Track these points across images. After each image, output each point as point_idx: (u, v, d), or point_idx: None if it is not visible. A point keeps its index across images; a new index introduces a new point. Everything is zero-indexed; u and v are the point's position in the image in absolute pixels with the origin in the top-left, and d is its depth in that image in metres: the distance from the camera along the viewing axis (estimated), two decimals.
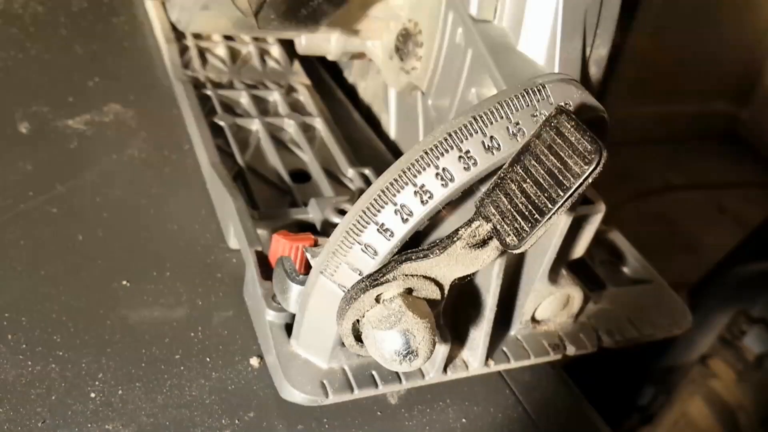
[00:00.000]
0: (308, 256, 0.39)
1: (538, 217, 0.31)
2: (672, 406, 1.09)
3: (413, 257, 0.35)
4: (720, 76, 2.02)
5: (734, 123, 2.15)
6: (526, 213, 0.32)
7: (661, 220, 1.96)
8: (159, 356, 0.41)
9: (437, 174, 0.35)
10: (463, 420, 0.42)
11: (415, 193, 0.35)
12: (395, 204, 0.35)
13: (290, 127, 0.60)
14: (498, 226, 0.33)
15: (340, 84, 0.73)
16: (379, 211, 0.35)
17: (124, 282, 0.45)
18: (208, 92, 0.60)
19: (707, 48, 1.96)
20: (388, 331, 0.35)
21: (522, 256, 0.43)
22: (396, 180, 0.35)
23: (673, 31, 1.86)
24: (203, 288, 0.46)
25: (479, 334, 0.41)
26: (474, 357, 0.42)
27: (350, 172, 0.56)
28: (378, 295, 0.36)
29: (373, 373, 0.40)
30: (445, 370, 0.42)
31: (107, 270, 0.45)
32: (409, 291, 0.36)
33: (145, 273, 0.46)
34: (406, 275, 0.35)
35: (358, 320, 0.36)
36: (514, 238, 0.32)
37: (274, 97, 0.63)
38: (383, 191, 0.35)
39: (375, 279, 0.35)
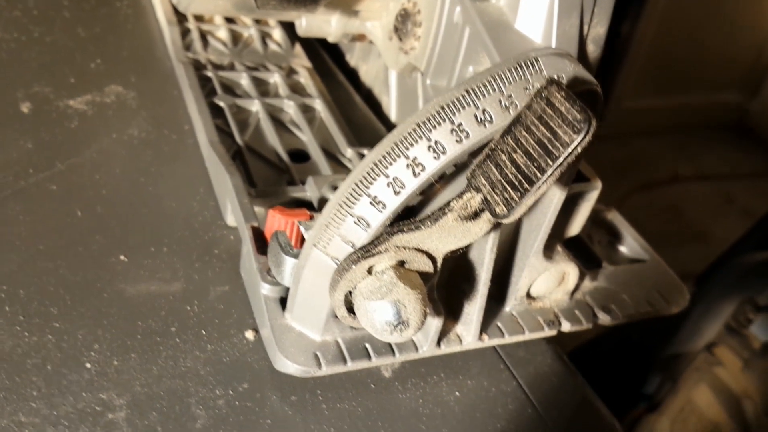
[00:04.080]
0: (302, 229, 0.40)
1: (527, 186, 0.31)
2: (677, 394, 1.09)
3: (405, 229, 0.35)
4: (729, 67, 2.01)
5: (743, 113, 2.14)
6: (516, 183, 0.32)
7: (670, 210, 1.96)
8: (155, 329, 0.42)
9: (429, 147, 0.35)
10: (457, 393, 0.42)
11: (408, 165, 0.35)
12: (387, 176, 0.35)
13: (290, 108, 0.60)
14: (488, 197, 0.33)
15: (341, 67, 0.73)
16: (371, 183, 0.35)
17: (122, 257, 0.45)
18: (209, 74, 0.61)
19: (717, 38, 1.95)
20: (379, 301, 0.35)
21: (517, 231, 0.43)
22: (388, 153, 0.35)
23: (682, 22, 1.85)
24: (200, 263, 0.46)
25: (473, 309, 0.42)
26: (468, 331, 0.42)
27: (349, 152, 0.56)
28: (370, 267, 0.36)
29: (367, 345, 0.40)
30: (438, 343, 0.42)
31: (105, 245, 0.46)
32: (401, 263, 0.37)
33: (142, 248, 0.46)
34: (398, 247, 0.36)
35: (350, 292, 0.37)
36: (504, 208, 0.32)
37: (275, 78, 0.63)
38: (376, 164, 0.35)
39: (367, 251, 0.35)
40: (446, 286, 0.43)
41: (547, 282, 0.45)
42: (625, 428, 1.07)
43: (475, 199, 0.35)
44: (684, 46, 1.94)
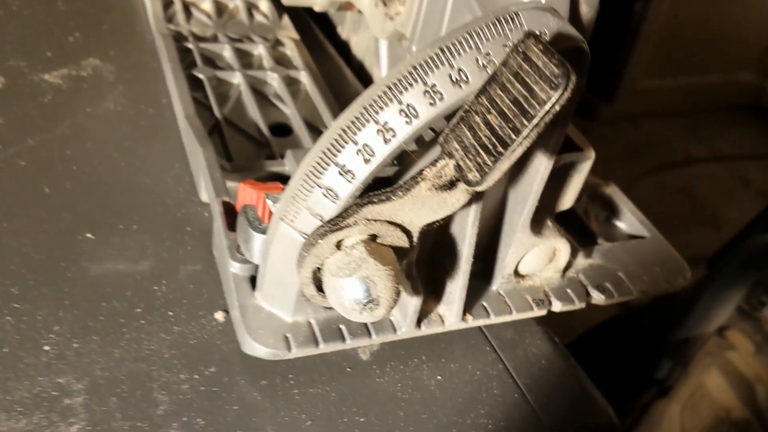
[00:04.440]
0: (269, 203, 0.37)
1: (501, 149, 0.29)
2: (688, 379, 1.06)
3: (375, 200, 0.33)
4: (744, 47, 1.97)
5: (759, 94, 2.09)
6: (490, 146, 0.29)
7: (683, 193, 1.92)
8: (119, 310, 0.39)
9: (401, 110, 0.32)
10: (438, 377, 0.40)
11: (378, 131, 0.32)
12: (356, 144, 0.33)
13: (273, 80, 0.57)
14: (460, 162, 0.31)
15: (333, 41, 0.70)
16: (339, 151, 0.33)
17: (89, 235, 0.43)
18: (190, 45, 0.58)
19: (732, 17, 1.90)
20: (347, 278, 0.32)
21: (502, 204, 0.40)
22: (357, 118, 0.33)
23: (696, 1, 1.80)
24: (171, 241, 0.44)
25: (455, 288, 0.39)
26: (450, 312, 0.40)
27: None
28: (339, 242, 0.33)
29: (342, 327, 0.38)
30: (418, 324, 0.39)
31: (72, 223, 0.44)
32: (373, 238, 0.34)
33: (111, 226, 0.44)
34: (368, 220, 0.33)
35: (319, 269, 0.34)
36: (477, 174, 0.30)
37: (259, 50, 0.60)
38: (344, 130, 0.33)
39: (334, 224, 0.33)
40: (428, 264, 0.41)
41: (536, 259, 0.42)
42: (635, 414, 1.05)
43: (449, 167, 0.32)
44: (698, 25, 1.90)
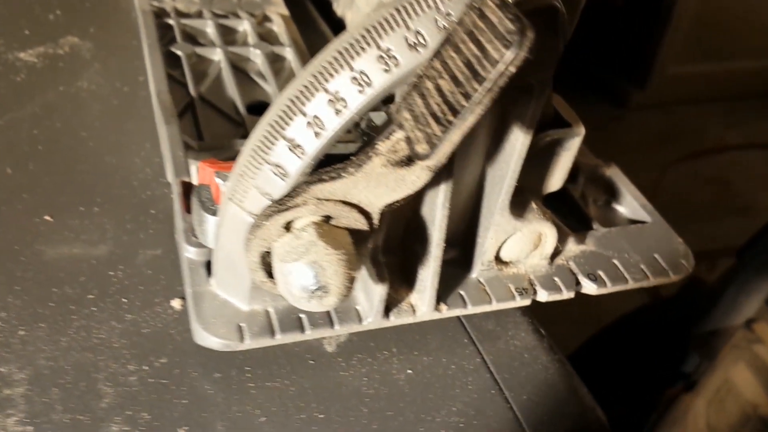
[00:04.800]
0: (219, 182, 0.35)
1: (451, 118, 0.25)
2: (714, 373, 1.02)
3: (325, 177, 0.30)
4: None
5: None
6: (440, 115, 0.26)
7: (716, 181, 1.85)
8: (71, 296, 0.37)
9: (353, 78, 0.29)
10: (409, 371, 0.37)
11: (329, 101, 0.29)
12: (305, 115, 0.30)
13: (257, 57, 0.54)
14: (410, 134, 0.27)
15: (329, 18, 0.67)
16: (287, 124, 0.30)
17: (47, 217, 0.41)
18: (171, 21, 0.56)
19: (766, 2, 1.83)
20: (294, 263, 0.30)
21: (480, 185, 0.37)
22: (306, 87, 0.30)
23: None
24: (132, 224, 0.41)
25: (427, 275, 0.36)
26: (422, 301, 0.37)
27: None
28: (288, 224, 0.31)
29: (302, 316, 0.35)
30: (387, 314, 0.36)
31: (31, 204, 0.42)
32: (327, 219, 0.31)
33: (71, 208, 0.42)
34: (319, 200, 0.30)
35: (269, 253, 0.31)
36: (426, 146, 0.27)
37: (244, 26, 0.58)
38: (292, 101, 0.30)
39: (282, 204, 0.30)
40: (401, 249, 0.38)
41: (520, 244, 0.39)
42: (661, 408, 1.00)
43: (403, 140, 0.29)
44: (732, 9, 1.83)
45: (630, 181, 0.48)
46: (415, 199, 0.35)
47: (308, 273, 0.29)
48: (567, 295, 0.40)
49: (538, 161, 0.39)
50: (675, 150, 1.84)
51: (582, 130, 0.39)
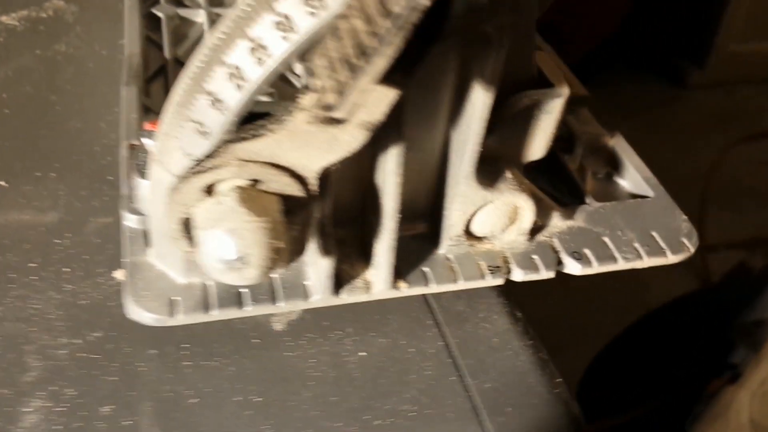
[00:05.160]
0: (147, 142, 0.32)
1: (360, 62, 0.22)
2: (759, 365, 0.96)
3: (246, 135, 0.27)
4: None
5: None
6: (352, 60, 0.23)
7: None
8: (12, 264, 0.35)
9: (277, 23, 0.26)
10: (362, 353, 0.34)
11: (251, 50, 0.26)
12: (226, 66, 0.27)
13: None
14: (324, 82, 0.24)
15: None
16: (208, 76, 0.27)
17: (2, 182, 0.39)
18: None
19: None
20: (211, 231, 0.27)
21: (445, 152, 0.34)
22: (226, 34, 0.27)
23: None
24: (87, 191, 0.39)
25: (381, 249, 0.33)
26: (378, 277, 0.34)
27: (298, 68, 0.47)
28: (211, 187, 0.28)
29: (243, 291, 0.33)
30: (337, 291, 0.33)
31: None
32: (255, 183, 0.28)
33: (28, 173, 0.40)
34: (242, 161, 0.27)
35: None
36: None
37: None
38: (212, 50, 0.27)
39: (201, 164, 0.27)
40: (361, 221, 0.35)
41: (493, 218, 0.35)
42: (704, 399, 0.95)
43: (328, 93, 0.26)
44: None
45: (635, 152, 0.44)
46: (369, 166, 0.32)
47: (226, 241, 0.27)
48: (546, 274, 0.36)
49: (515, 126, 0.35)
50: (734, 131, 1.74)
51: (564, 91, 0.34)
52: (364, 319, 0.35)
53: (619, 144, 0.44)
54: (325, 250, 0.32)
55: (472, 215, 0.35)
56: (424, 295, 0.36)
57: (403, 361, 0.34)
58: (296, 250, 0.33)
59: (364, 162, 0.32)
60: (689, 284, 1.30)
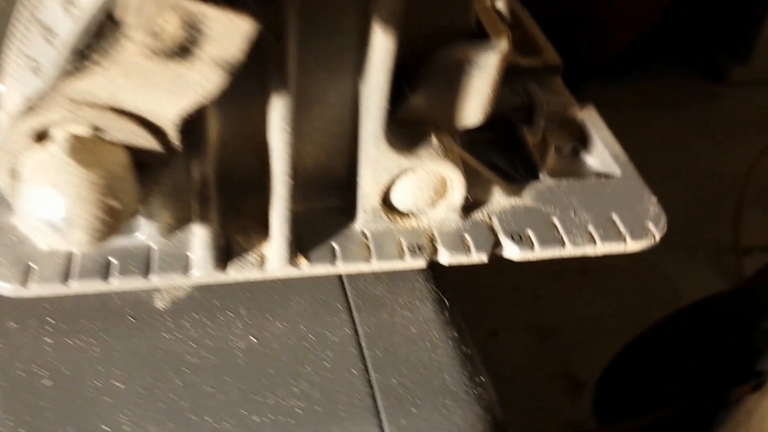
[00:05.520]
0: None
1: None
2: None
3: (69, 68, 0.23)
4: None
5: None
6: None
7: None
8: None
9: None
10: (253, 339, 0.29)
11: None
12: None
13: None
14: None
15: None
16: (42, 3, 0.23)
17: None
18: None
19: None
20: (33, 184, 0.23)
21: (354, 109, 0.29)
22: None
23: None
24: None
25: (275, 219, 0.28)
26: (273, 252, 0.29)
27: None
28: (43, 134, 0.24)
29: (112, 260, 0.28)
30: (224, 265, 0.29)
31: None
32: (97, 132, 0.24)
33: None
34: (73, 102, 0.23)
35: None
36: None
37: None
38: None
39: (29, 106, 0.23)
40: (260, 188, 0.30)
41: (416, 190, 0.30)
42: (728, 407, 0.89)
43: (170, 19, 0.21)
44: None
45: (606, 126, 0.38)
46: (262, 122, 0.28)
47: (49, 198, 0.22)
48: (477, 258, 0.31)
49: (445, 84, 0.30)
50: None
51: (503, 45, 0.29)
52: (263, 300, 0.30)
53: (590, 117, 0.39)
54: (204, 218, 0.27)
55: (390, 185, 0.30)
56: (340, 276, 0.32)
57: (299, 349, 0.29)
58: (178, 216, 0.29)
59: (254, 117, 0.28)
60: (724, 287, 1.22)
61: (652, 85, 1.80)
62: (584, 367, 1.16)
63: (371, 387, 0.28)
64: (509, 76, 0.40)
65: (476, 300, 1.27)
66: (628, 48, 1.72)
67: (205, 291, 0.30)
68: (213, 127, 0.28)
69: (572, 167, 0.38)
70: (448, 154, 0.30)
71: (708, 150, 1.61)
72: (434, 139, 0.30)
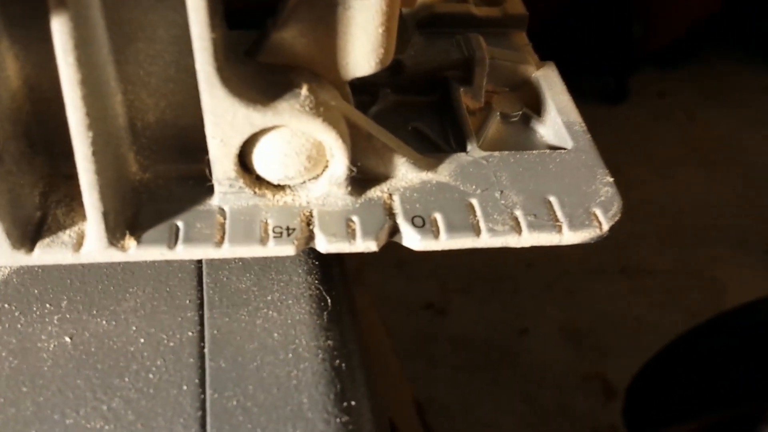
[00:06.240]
0: None
1: None
2: None
3: None
4: None
5: None
6: None
7: None
8: None
9: None
10: (66, 339, 0.23)
11: None
12: None
13: None
14: None
15: None
16: None
17: None
18: None
19: None
20: None
21: (189, 45, 0.23)
22: None
23: None
24: None
25: (84, 188, 0.22)
26: (91, 230, 0.23)
27: None
28: None
29: None
30: (32, 245, 0.23)
31: None
32: None
33: None
34: None
35: None
36: None
37: None
38: None
39: None
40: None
41: (282, 156, 0.24)
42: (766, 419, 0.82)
43: None
44: None
45: (566, 89, 0.31)
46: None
47: None
48: (364, 246, 0.24)
49: (317, 17, 0.23)
50: None
51: None
52: (92, 291, 0.25)
53: (547, 78, 0.31)
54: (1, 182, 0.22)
55: (244, 148, 0.24)
56: (199, 264, 0.26)
57: (122, 355, 0.23)
58: None
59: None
60: None
61: (710, 73, 1.69)
62: (618, 370, 1.08)
63: (203, 409, 0.22)
64: (460, 28, 0.33)
65: (506, 296, 1.20)
66: (686, 34, 1.62)
67: (25, 275, 0.25)
68: (10, 66, 0.22)
69: (518, 138, 0.30)
70: (321, 111, 0.23)
71: (762, 144, 1.49)
72: (304, 91, 0.23)
